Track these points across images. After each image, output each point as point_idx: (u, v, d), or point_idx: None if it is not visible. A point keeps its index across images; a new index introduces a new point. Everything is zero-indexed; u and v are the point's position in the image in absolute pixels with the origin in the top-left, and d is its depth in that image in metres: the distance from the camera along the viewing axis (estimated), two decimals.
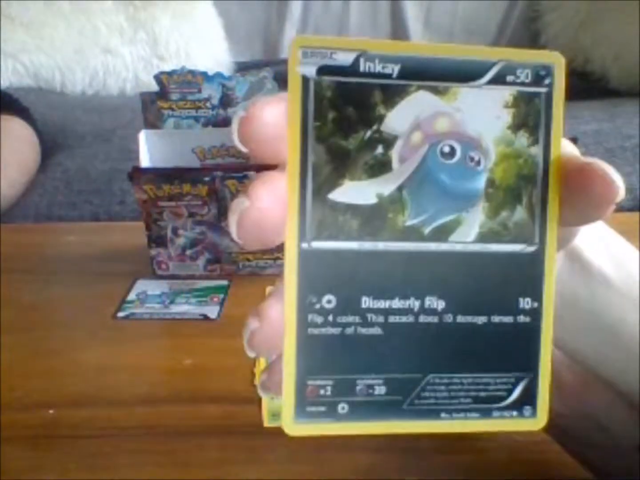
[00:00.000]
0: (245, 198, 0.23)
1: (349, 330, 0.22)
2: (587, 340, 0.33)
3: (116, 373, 0.59)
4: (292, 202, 0.22)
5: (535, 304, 0.23)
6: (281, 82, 0.71)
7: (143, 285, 0.72)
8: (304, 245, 0.22)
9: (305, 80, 0.22)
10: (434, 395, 0.23)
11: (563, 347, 0.35)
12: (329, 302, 0.22)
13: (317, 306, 0.22)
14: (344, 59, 0.22)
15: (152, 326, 0.66)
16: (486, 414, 0.23)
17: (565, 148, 0.27)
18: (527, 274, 0.23)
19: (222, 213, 0.70)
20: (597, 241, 0.32)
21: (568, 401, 0.43)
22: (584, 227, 0.29)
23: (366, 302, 0.22)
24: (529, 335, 0.23)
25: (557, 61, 0.24)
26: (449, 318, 0.22)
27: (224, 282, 0.72)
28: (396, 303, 0.22)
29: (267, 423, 0.52)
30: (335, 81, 0.22)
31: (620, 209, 1.00)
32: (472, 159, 0.22)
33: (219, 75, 0.71)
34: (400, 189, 0.22)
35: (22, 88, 1.45)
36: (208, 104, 0.71)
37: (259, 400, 0.55)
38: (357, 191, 0.22)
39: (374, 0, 1.82)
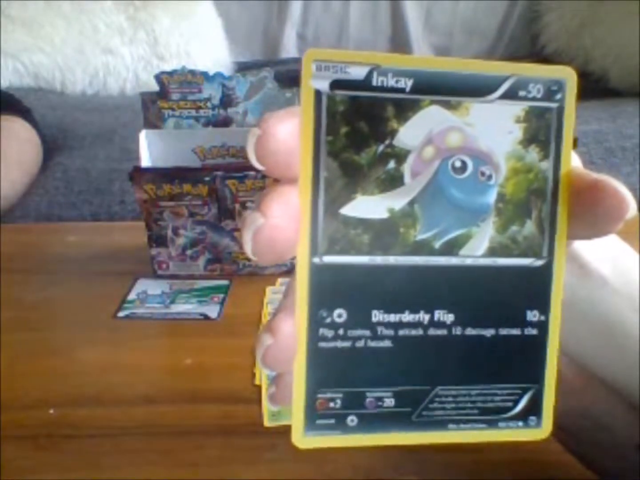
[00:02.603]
0: (259, 214, 0.23)
1: (359, 344, 0.22)
2: (586, 340, 0.33)
3: (116, 373, 0.59)
4: (305, 217, 0.22)
5: (543, 317, 0.23)
6: (281, 82, 0.71)
7: (143, 285, 0.72)
8: (316, 259, 0.22)
9: (318, 94, 0.22)
10: (442, 406, 0.23)
11: (563, 346, 0.35)
12: (339, 316, 0.22)
13: (328, 320, 0.22)
14: (357, 73, 0.22)
15: (152, 326, 0.66)
16: (493, 424, 0.24)
17: (573, 162, 0.27)
18: (535, 288, 0.23)
19: (223, 213, 0.70)
20: (594, 241, 0.32)
21: (568, 400, 0.43)
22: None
23: (376, 315, 0.22)
24: (536, 347, 0.23)
25: (568, 76, 0.24)
26: (457, 331, 0.23)
27: (225, 282, 0.72)
28: (406, 316, 0.22)
29: (267, 423, 0.52)
30: (348, 95, 0.22)
31: None
32: (483, 174, 0.23)
33: (219, 75, 0.71)
34: (411, 203, 0.22)
35: (22, 88, 1.45)
36: (208, 104, 0.71)
37: (259, 400, 0.55)
38: (368, 206, 0.22)
39: (374, 0, 1.82)
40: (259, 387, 0.56)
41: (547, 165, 0.23)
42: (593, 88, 1.60)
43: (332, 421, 0.22)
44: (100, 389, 0.57)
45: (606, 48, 1.63)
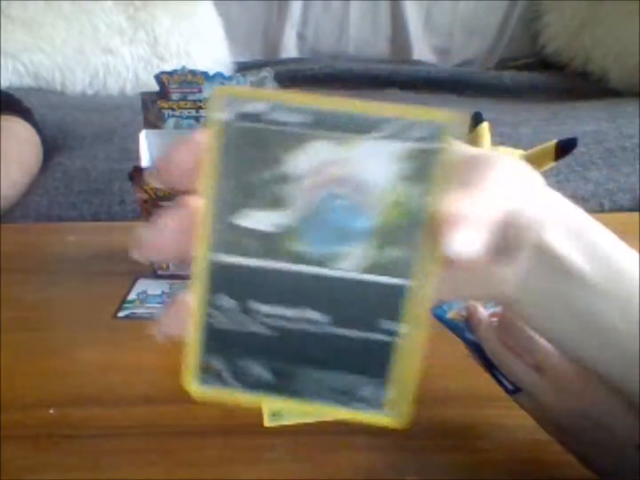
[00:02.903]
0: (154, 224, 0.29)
1: (242, 327, 0.27)
2: (572, 335, 0.34)
3: (116, 373, 0.59)
4: (204, 221, 0.26)
5: (397, 327, 0.26)
6: (281, 82, 0.71)
7: (143, 285, 0.72)
8: (210, 255, 0.27)
9: (222, 123, 0.25)
10: (307, 384, 0.27)
11: (555, 343, 0.36)
12: (227, 302, 0.27)
13: (217, 303, 0.27)
14: (259, 108, 0.25)
15: (152, 326, 0.66)
16: (346, 404, 0.29)
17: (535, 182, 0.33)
18: (395, 302, 0.26)
19: None
20: (567, 234, 0.32)
21: (569, 400, 0.43)
22: (548, 221, 0.32)
23: (259, 307, 0.27)
24: (388, 350, 0.27)
25: (450, 120, 0.25)
26: (324, 328, 0.27)
27: None
28: (282, 310, 0.27)
29: (267, 423, 0.52)
30: (248, 126, 0.25)
31: (620, 208, 1.00)
32: (360, 204, 0.25)
33: (219, 75, 0.71)
34: (294, 222, 0.26)
35: (22, 88, 1.45)
36: None
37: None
38: (257, 220, 0.26)
39: (374, 0, 1.82)
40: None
41: (421, 200, 0.25)
42: (593, 88, 1.60)
43: (215, 380, 0.28)
44: (100, 389, 0.57)
45: (606, 48, 1.63)
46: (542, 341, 0.45)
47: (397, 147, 0.25)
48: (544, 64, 1.82)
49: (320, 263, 0.26)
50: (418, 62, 1.81)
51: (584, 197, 1.03)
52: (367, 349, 0.27)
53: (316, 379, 0.28)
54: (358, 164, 0.25)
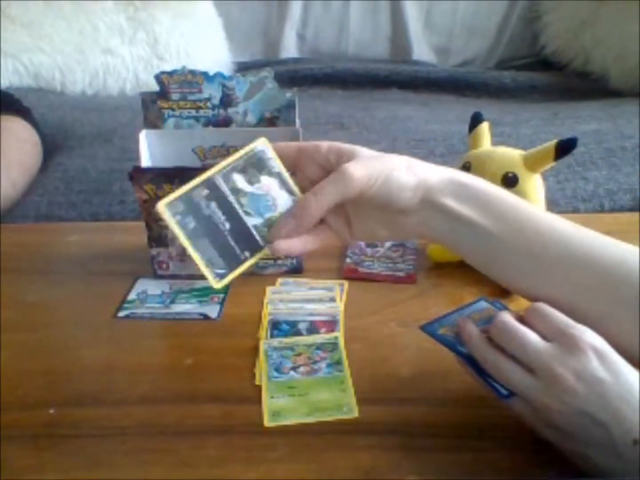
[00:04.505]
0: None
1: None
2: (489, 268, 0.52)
3: (116, 373, 0.59)
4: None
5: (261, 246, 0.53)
6: (281, 82, 0.71)
7: (143, 285, 0.72)
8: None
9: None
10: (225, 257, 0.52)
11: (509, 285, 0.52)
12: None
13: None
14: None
15: (152, 326, 0.66)
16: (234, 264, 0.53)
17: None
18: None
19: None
20: (454, 196, 0.50)
21: (563, 398, 0.43)
22: (435, 188, 0.51)
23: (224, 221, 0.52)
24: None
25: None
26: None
27: None
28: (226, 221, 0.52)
29: (267, 423, 0.52)
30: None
31: (620, 208, 1.00)
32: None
33: (219, 75, 0.71)
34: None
35: (22, 88, 1.45)
36: (208, 104, 0.71)
37: (259, 400, 0.55)
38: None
39: (374, 0, 1.82)
40: (259, 387, 0.56)
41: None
42: (593, 88, 1.60)
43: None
44: (100, 388, 0.57)
45: (606, 48, 1.63)
46: (534, 342, 0.45)
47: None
48: (544, 64, 1.82)
49: (245, 213, 0.52)
50: (418, 62, 1.81)
51: (584, 197, 1.03)
52: (232, 254, 0.52)
53: (208, 250, 0.51)
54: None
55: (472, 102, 1.54)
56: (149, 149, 0.73)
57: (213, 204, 0.51)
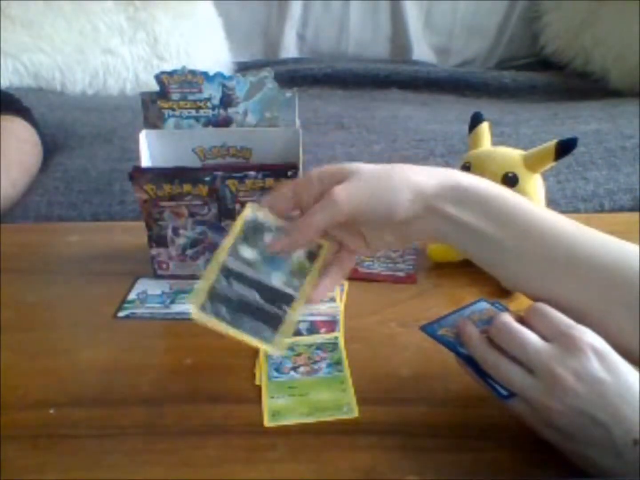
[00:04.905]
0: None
1: (225, 292, 0.53)
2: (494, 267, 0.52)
3: (116, 373, 0.59)
4: (223, 246, 0.54)
5: (288, 310, 0.53)
6: (281, 82, 0.71)
7: (143, 285, 0.72)
8: (223, 258, 0.54)
9: (244, 219, 0.55)
10: (244, 325, 0.52)
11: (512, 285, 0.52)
12: (222, 279, 0.53)
13: (219, 279, 0.53)
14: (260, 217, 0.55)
15: (152, 326, 0.66)
16: (256, 337, 0.52)
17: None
18: (290, 299, 0.54)
19: (223, 213, 0.70)
20: (455, 203, 0.50)
21: (564, 398, 0.43)
22: (439, 197, 0.50)
23: (235, 285, 0.53)
24: (281, 317, 0.53)
25: (324, 244, 0.55)
26: (257, 303, 0.53)
27: None
28: (243, 289, 0.53)
29: (267, 423, 0.52)
30: (252, 225, 0.55)
31: (621, 208, 1.00)
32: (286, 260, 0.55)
33: (219, 75, 0.71)
34: (260, 258, 0.55)
35: (22, 88, 1.45)
36: (209, 104, 0.71)
37: (259, 400, 0.55)
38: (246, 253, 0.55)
39: (374, 0, 1.82)
40: (259, 387, 0.56)
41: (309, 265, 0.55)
42: (593, 88, 1.60)
43: (207, 313, 0.52)
44: (100, 389, 0.57)
45: (606, 48, 1.63)
46: (534, 343, 0.45)
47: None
48: (544, 64, 1.82)
49: (266, 276, 0.54)
50: (418, 62, 1.81)
51: (584, 197, 1.03)
52: (272, 315, 0.53)
53: (250, 324, 0.52)
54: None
55: (472, 102, 1.54)
56: (149, 149, 0.73)
57: (235, 284, 0.53)
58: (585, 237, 0.49)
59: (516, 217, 0.49)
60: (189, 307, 0.52)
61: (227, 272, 0.53)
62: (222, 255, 0.53)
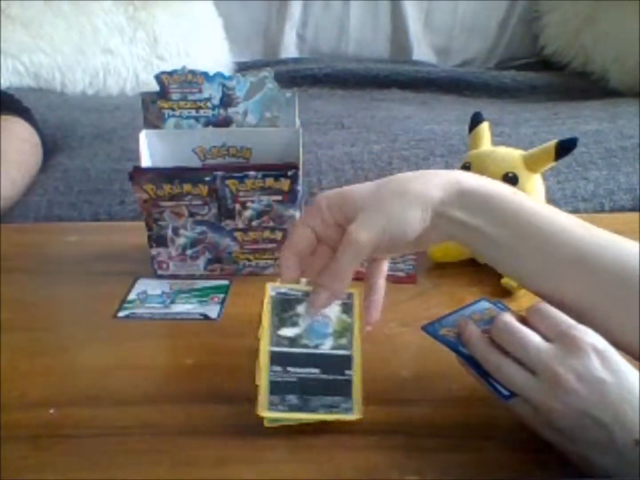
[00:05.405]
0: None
1: (283, 378, 0.52)
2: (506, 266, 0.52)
3: (116, 373, 0.59)
4: (265, 333, 0.54)
5: (351, 373, 0.53)
6: (281, 82, 0.71)
7: (143, 285, 0.72)
8: (269, 347, 0.53)
9: (271, 297, 0.55)
10: (314, 405, 0.52)
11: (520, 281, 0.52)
12: (276, 367, 0.53)
13: (273, 368, 0.53)
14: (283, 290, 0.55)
15: (152, 326, 0.66)
16: (332, 412, 0.52)
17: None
18: (349, 360, 0.53)
19: (223, 213, 0.70)
20: (464, 209, 0.50)
21: (566, 399, 0.43)
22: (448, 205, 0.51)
23: (291, 369, 0.53)
24: (350, 383, 0.53)
25: (354, 292, 0.55)
26: (319, 376, 0.53)
27: (225, 282, 0.72)
28: (301, 369, 0.53)
29: (267, 423, 0.52)
30: (280, 298, 0.55)
31: (621, 208, 1.00)
32: (326, 322, 0.54)
33: (219, 75, 0.71)
34: (302, 332, 0.54)
35: (22, 88, 1.45)
36: (209, 104, 0.71)
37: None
38: (287, 332, 0.54)
39: (374, 0, 1.82)
40: (259, 387, 0.56)
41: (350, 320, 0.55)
42: (593, 88, 1.60)
43: (275, 407, 0.51)
44: (100, 388, 0.57)
45: (606, 48, 1.63)
46: (535, 343, 0.45)
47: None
48: (544, 64, 1.82)
49: (315, 347, 0.53)
50: (418, 62, 1.80)
51: (584, 197, 1.03)
52: (339, 382, 0.53)
53: (321, 401, 0.52)
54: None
55: (472, 102, 1.54)
56: (149, 149, 0.73)
57: (290, 368, 0.52)
58: (592, 237, 0.49)
59: (521, 218, 0.50)
60: (262, 413, 0.51)
61: (277, 360, 0.52)
62: (264, 346, 0.52)
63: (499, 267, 0.52)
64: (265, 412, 0.50)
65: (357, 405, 0.51)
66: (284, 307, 0.54)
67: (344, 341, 0.53)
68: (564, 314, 0.47)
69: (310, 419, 0.51)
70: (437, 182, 0.51)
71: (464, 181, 0.51)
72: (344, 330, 0.54)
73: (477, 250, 0.52)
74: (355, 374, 0.53)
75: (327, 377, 0.52)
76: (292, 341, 0.53)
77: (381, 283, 0.56)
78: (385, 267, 0.56)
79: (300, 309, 0.54)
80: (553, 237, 0.49)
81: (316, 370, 0.52)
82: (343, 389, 0.52)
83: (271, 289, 0.54)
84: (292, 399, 0.51)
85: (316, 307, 0.53)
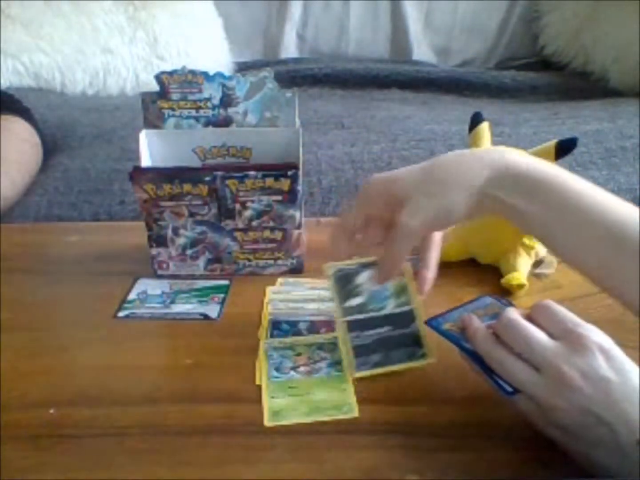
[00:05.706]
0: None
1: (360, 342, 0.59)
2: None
3: (116, 373, 0.59)
4: (336, 306, 0.60)
5: (416, 326, 0.59)
6: (281, 82, 0.71)
7: (143, 285, 0.72)
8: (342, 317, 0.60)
9: (331, 274, 0.60)
10: (393, 358, 0.58)
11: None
12: (356, 335, 0.59)
13: (351, 335, 0.59)
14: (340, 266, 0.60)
15: (152, 326, 0.66)
16: (407, 362, 0.58)
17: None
18: (411, 314, 0.59)
19: (223, 213, 0.70)
20: (506, 187, 0.50)
21: (570, 396, 0.43)
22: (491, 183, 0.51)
23: (366, 331, 0.59)
24: (417, 334, 0.59)
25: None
26: (390, 333, 0.59)
27: (225, 282, 0.72)
28: (375, 330, 0.59)
29: (267, 423, 0.52)
30: (340, 274, 0.60)
31: None
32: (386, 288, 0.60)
33: (219, 75, 0.71)
34: (365, 300, 0.60)
35: (22, 88, 1.45)
36: (209, 104, 0.71)
37: (259, 400, 0.55)
38: (353, 302, 0.60)
39: (374, 0, 1.82)
40: (259, 387, 0.56)
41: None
42: (593, 88, 1.60)
43: (361, 365, 0.58)
44: (100, 388, 0.57)
45: (606, 48, 1.63)
46: (540, 340, 0.45)
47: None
48: (544, 64, 1.82)
49: (379, 310, 0.59)
50: (418, 62, 1.81)
51: None
52: (409, 335, 0.59)
53: (400, 354, 0.58)
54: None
55: (472, 102, 1.54)
56: (149, 149, 0.73)
57: (365, 332, 0.59)
58: (620, 208, 0.47)
59: (558, 196, 0.49)
60: (353, 375, 0.57)
61: (353, 327, 0.58)
62: (340, 319, 0.59)
63: (544, 243, 0.53)
64: (356, 374, 0.56)
65: (430, 351, 0.57)
66: (345, 282, 0.59)
67: (404, 299, 0.60)
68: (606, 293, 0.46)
69: (394, 370, 0.57)
70: (483, 164, 0.52)
71: (510, 163, 0.51)
72: (401, 290, 0.60)
73: (520, 228, 0.53)
74: (420, 325, 0.58)
75: (398, 332, 0.58)
76: (360, 309, 0.59)
77: (433, 255, 0.57)
78: (438, 238, 0.58)
79: (359, 279, 0.59)
80: (594, 214, 0.47)
81: (388, 328, 0.59)
82: (414, 339, 0.58)
83: (329, 268, 0.59)
84: (375, 357, 0.57)
85: (381, 283, 0.58)
